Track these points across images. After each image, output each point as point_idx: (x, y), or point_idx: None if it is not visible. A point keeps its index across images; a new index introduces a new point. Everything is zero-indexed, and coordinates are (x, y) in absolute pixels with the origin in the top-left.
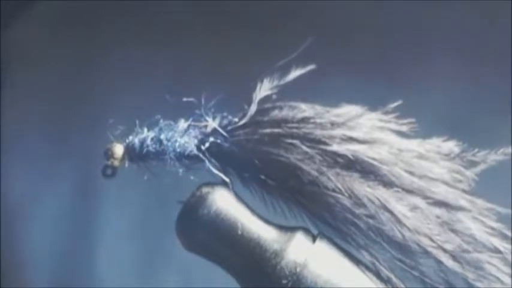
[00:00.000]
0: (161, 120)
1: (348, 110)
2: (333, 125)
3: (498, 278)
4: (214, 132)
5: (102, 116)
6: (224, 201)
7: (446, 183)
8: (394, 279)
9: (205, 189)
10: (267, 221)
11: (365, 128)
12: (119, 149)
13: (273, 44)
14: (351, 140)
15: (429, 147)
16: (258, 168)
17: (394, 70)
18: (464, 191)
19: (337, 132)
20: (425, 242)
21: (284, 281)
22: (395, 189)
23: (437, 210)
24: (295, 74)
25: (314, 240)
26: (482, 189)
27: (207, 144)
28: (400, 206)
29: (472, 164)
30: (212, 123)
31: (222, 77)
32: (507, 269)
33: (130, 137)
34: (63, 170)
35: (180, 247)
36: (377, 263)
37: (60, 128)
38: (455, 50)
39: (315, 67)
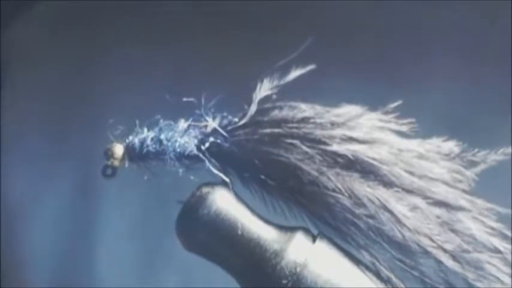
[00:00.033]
0: (161, 120)
1: (348, 110)
2: (333, 125)
3: (498, 278)
4: (214, 132)
5: (102, 116)
6: (224, 201)
7: (446, 183)
8: (394, 279)
9: (205, 189)
10: (267, 221)
11: (365, 128)
12: (119, 149)
13: (273, 44)
14: (351, 140)
15: (429, 147)
16: (258, 168)
17: (394, 70)
18: (464, 191)
19: (337, 132)
20: (425, 242)
21: (284, 281)
22: (395, 189)
23: (437, 210)
24: (295, 74)
25: (314, 240)
26: (482, 189)
27: (207, 144)
28: (400, 206)
29: (472, 164)
30: (212, 123)
31: (222, 77)
32: (507, 269)
33: (130, 137)
34: (63, 170)
35: (180, 247)
36: (377, 263)
37: (60, 128)
38: (455, 50)
39: (315, 67)
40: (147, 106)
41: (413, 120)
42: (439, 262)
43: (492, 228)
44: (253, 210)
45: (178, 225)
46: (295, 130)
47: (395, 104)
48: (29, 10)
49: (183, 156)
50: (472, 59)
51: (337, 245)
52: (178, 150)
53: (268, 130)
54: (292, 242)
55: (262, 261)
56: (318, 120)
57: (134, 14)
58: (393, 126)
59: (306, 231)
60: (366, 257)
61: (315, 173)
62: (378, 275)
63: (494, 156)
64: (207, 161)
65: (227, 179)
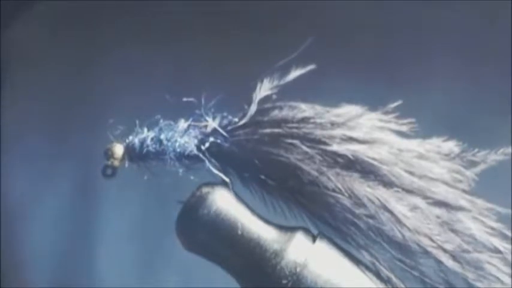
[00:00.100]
0: (161, 120)
1: (348, 110)
2: (333, 125)
3: (498, 278)
4: (214, 132)
5: (102, 116)
6: (224, 201)
7: (446, 183)
8: (394, 279)
9: (205, 189)
10: (267, 221)
11: (365, 128)
12: (119, 149)
13: (273, 44)
14: (351, 140)
15: (429, 147)
16: (258, 168)
17: (394, 70)
18: (464, 191)
19: (337, 132)
20: (425, 242)
21: (284, 281)
22: (395, 189)
23: (437, 210)
24: (295, 74)
25: (314, 240)
26: (482, 189)
27: (207, 144)
28: (400, 206)
29: (472, 164)
30: (212, 123)
31: (222, 77)
32: (507, 269)
33: (130, 137)
34: (63, 170)
35: (180, 247)
36: (377, 263)
37: (60, 128)
38: (455, 50)
39: (315, 67)
40: (147, 106)
41: (413, 120)
42: (439, 262)
43: (492, 228)
44: (253, 210)
45: (178, 225)
46: (295, 130)
47: (395, 104)
48: (29, 10)
49: (183, 156)
50: (472, 59)
51: (337, 245)
52: (178, 150)
53: (268, 130)
54: (292, 242)
55: (262, 261)
56: (318, 120)
57: (134, 14)
58: (393, 126)
59: (306, 231)
60: (366, 257)
61: (315, 173)
62: (378, 275)
63: (494, 156)
64: (207, 161)
65: (227, 179)
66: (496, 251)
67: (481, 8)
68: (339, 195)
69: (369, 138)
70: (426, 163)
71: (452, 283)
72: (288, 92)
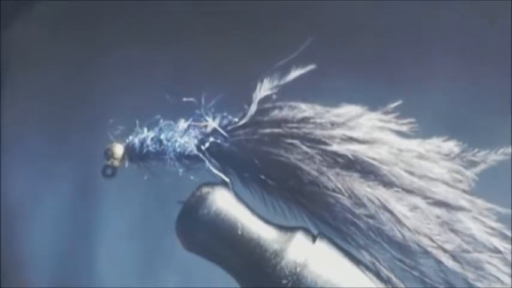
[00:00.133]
0: (161, 120)
1: (348, 110)
2: (333, 125)
3: (498, 278)
4: (214, 132)
5: (102, 116)
6: (224, 201)
7: (446, 183)
8: (394, 279)
9: (205, 189)
10: (267, 221)
11: (365, 128)
12: (119, 149)
13: (273, 44)
14: (351, 140)
15: (429, 147)
16: (258, 168)
17: (394, 70)
18: (464, 191)
19: (337, 132)
20: (425, 242)
21: (284, 281)
22: (395, 189)
23: (437, 210)
24: (295, 74)
25: (314, 240)
26: (482, 189)
27: (207, 144)
28: (400, 206)
29: (472, 164)
30: (212, 123)
31: (222, 77)
32: (507, 269)
33: (130, 137)
34: (63, 170)
35: (180, 247)
36: (377, 263)
37: (60, 128)
38: (455, 50)
39: (315, 67)
40: (147, 106)
41: (413, 120)
42: (439, 262)
43: (492, 228)
44: (253, 210)
45: (178, 225)
46: (295, 130)
47: (395, 104)
48: (29, 10)
49: (183, 156)
50: (472, 59)
51: (337, 245)
52: (178, 150)
53: (268, 130)
54: (292, 242)
55: (262, 261)
56: (318, 120)
57: (134, 14)
58: (393, 126)
59: (306, 231)
60: (366, 257)
61: (315, 173)
62: (378, 275)
63: (494, 156)
64: (207, 161)
65: (227, 179)
66: (496, 251)
67: (481, 8)
68: (339, 195)
69: (369, 138)
70: (426, 163)
71: (452, 283)
72: (288, 92)
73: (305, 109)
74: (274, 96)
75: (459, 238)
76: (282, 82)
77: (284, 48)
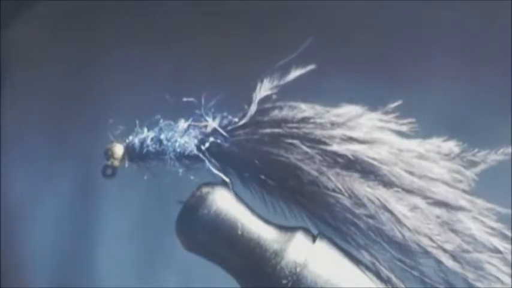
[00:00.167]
0: (161, 120)
1: (348, 110)
2: (333, 125)
3: (498, 278)
4: (214, 132)
5: (102, 116)
6: (224, 201)
7: (446, 183)
8: (394, 279)
9: (205, 189)
10: (267, 221)
11: (365, 128)
12: (119, 149)
13: (273, 44)
14: (351, 140)
15: (429, 147)
16: (258, 168)
17: (394, 70)
18: (464, 191)
19: (337, 132)
20: (425, 242)
21: (284, 281)
22: (395, 189)
23: (437, 210)
24: (295, 74)
25: (314, 240)
26: (482, 189)
27: (207, 144)
28: (400, 206)
29: (472, 164)
30: (212, 123)
31: (222, 77)
32: (507, 269)
33: (130, 137)
34: (63, 170)
35: (180, 247)
36: (377, 263)
37: (60, 128)
38: (455, 50)
39: (315, 67)
40: (147, 106)
41: (413, 120)
42: (439, 262)
43: (492, 228)
44: (253, 210)
45: (178, 225)
46: (295, 130)
47: (395, 104)
48: (29, 10)
49: (183, 156)
50: (472, 59)
51: (337, 245)
52: (178, 150)
53: (268, 130)
54: (292, 242)
55: (262, 261)
56: (318, 120)
57: (134, 14)
58: (393, 126)
59: (306, 231)
60: (366, 257)
61: (315, 173)
62: (378, 275)
63: (494, 156)
64: (207, 161)
65: (227, 179)
66: (496, 251)
67: (481, 8)
68: (339, 195)
69: (369, 138)
70: (426, 163)
71: (452, 283)
72: (288, 92)
73: (305, 109)
74: (274, 96)
75: (459, 238)
76: (282, 82)
77: (284, 48)
